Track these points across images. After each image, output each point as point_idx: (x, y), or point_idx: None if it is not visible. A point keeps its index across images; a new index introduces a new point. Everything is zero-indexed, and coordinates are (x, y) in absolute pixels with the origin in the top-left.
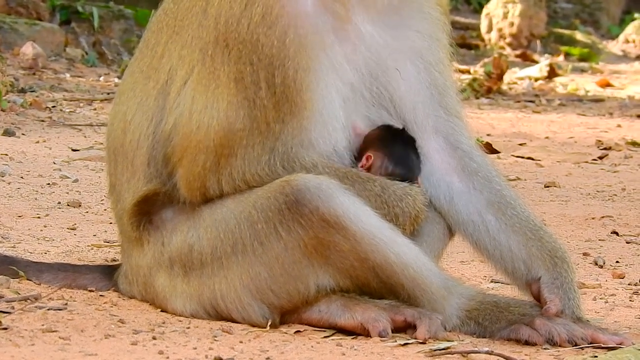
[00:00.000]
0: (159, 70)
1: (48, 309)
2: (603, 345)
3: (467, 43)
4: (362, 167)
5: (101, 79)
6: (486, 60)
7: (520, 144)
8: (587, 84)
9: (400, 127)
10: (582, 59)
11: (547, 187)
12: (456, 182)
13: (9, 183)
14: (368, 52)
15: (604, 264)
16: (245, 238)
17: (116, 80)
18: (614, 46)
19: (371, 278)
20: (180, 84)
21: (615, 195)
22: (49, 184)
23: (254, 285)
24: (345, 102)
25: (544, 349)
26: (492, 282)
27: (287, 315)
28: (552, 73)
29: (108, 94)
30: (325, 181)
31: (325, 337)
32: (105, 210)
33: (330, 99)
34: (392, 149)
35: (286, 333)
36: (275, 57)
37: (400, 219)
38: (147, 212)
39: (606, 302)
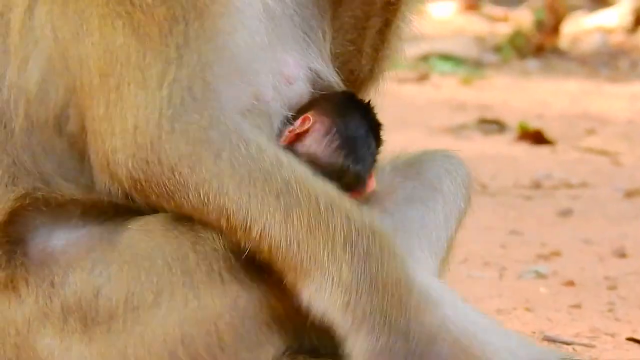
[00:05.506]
0: None
1: None
2: None
3: None
4: (291, 132)
5: None
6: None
7: (587, 131)
8: None
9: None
10: None
11: (630, 196)
12: None
13: None
14: None
15: None
16: (176, 282)
17: None
18: None
19: None
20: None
21: None
22: None
23: (185, 350)
24: (271, 20)
25: None
26: (544, 339)
27: None
28: (638, 21)
29: None
30: None
31: None
32: None
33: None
34: (346, 118)
35: None
36: None
37: None
38: (18, 238)
39: None
